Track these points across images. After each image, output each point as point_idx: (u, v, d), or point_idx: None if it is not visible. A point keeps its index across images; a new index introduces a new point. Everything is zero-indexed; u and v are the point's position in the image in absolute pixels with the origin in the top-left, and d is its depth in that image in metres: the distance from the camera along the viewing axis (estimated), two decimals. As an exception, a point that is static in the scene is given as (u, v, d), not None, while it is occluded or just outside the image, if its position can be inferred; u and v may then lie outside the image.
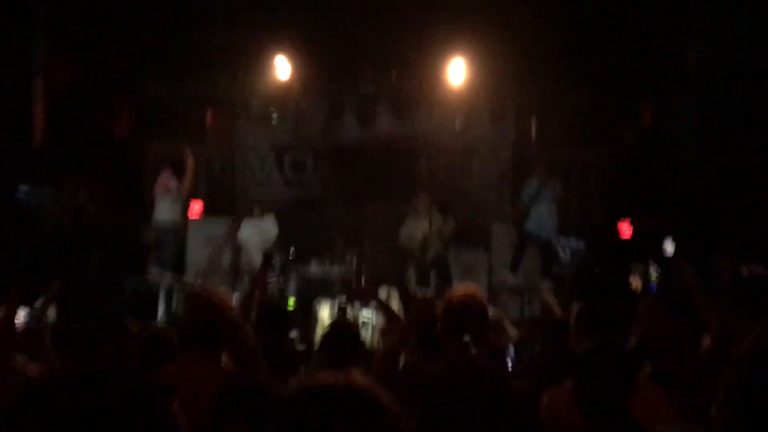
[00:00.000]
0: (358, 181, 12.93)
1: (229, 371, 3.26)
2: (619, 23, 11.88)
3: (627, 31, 11.90)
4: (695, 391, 3.32)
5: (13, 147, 10.02)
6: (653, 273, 10.71)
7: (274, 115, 13.11)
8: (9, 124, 10.11)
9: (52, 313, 6.16)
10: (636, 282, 9.62)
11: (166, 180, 9.59)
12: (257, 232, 10.52)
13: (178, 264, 10.08)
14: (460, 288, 3.62)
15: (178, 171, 9.54)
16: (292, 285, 10.62)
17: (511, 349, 5.64)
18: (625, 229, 12.02)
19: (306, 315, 8.76)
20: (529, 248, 10.79)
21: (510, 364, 5.33)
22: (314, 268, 10.89)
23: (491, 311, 6.52)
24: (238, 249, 10.77)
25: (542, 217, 10.66)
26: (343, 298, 8.51)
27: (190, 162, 9.72)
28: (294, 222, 11.17)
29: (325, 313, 7.22)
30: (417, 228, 10.56)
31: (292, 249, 10.91)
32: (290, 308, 8.61)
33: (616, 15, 11.78)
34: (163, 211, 9.64)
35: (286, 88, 12.94)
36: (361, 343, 4.12)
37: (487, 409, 3.11)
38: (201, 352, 3.23)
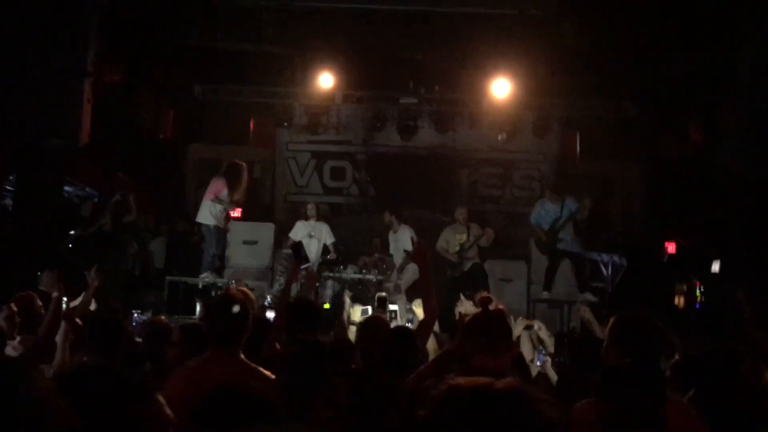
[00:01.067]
0: (396, 190, 12.92)
1: (249, 369, 3.32)
2: (666, 37, 11.68)
3: (674, 45, 11.69)
4: (737, 418, 3.16)
5: (60, 145, 10.22)
6: (698, 292, 10.43)
7: (318, 125, 13.24)
8: (58, 125, 10.32)
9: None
10: (680, 300, 9.36)
11: (217, 188, 9.67)
12: (309, 235, 10.54)
13: (219, 264, 10.15)
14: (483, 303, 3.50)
15: (231, 181, 9.60)
16: (329, 291, 10.61)
17: (541, 358, 5.50)
18: (670, 247, 11.74)
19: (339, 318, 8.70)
20: (560, 264, 10.53)
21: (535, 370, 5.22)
22: (350, 274, 10.88)
23: (532, 323, 6.40)
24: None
25: (567, 237, 10.38)
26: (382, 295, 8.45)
27: (245, 175, 9.78)
28: (332, 228, 11.18)
29: (357, 316, 7.17)
30: (454, 237, 10.48)
31: (329, 255, 10.91)
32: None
33: (664, 28, 11.58)
34: (207, 216, 9.72)
35: (330, 97, 13.06)
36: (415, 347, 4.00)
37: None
38: (225, 349, 3.33)
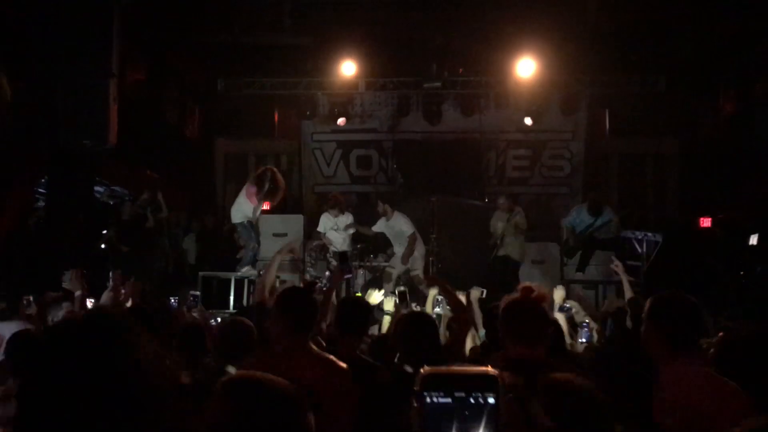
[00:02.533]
0: (424, 176, 12.85)
1: (322, 358, 3.32)
2: (692, 8, 11.40)
3: (700, 16, 11.40)
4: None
5: (90, 147, 10.33)
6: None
7: (340, 119, 13.20)
8: (85, 125, 10.44)
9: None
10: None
11: (251, 193, 9.73)
12: (335, 227, 10.54)
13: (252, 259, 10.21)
14: (519, 289, 3.44)
15: (262, 188, 9.63)
16: (360, 281, 10.61)
17: (587, 334, 5.48)
18: (705, 222, 11.50)
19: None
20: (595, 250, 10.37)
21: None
22: (381, 263, 10.86)
23: (568, 302, 6.33)
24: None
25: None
26: (401, 286, 8.43)
27: (279, 178, 9.78)
28: (360, 217, 11.15)
29: (389, 306, 7.13)
30: (497, 225, 10.43)
31: (358, 245, 10.89)
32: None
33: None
34: (239, 215, 9.78)
35: (353, 85, 13.00)
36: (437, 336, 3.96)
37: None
38: (296, 339, 3.33)
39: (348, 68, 12.50)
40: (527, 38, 11.94)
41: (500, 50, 12.27)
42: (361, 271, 10.81)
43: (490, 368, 0.94)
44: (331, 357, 3.34)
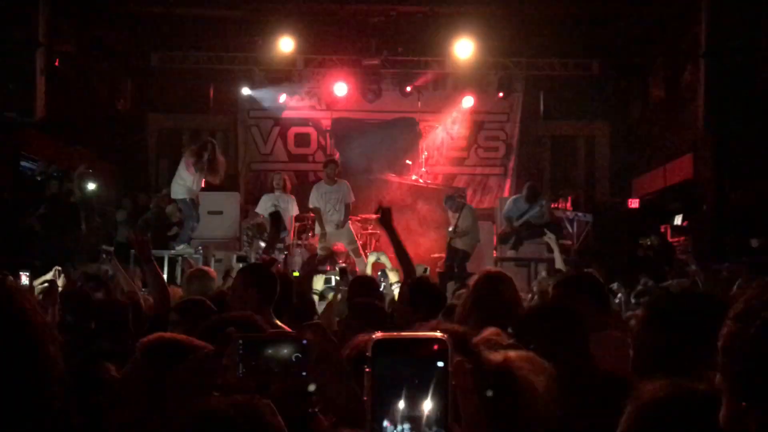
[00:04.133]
0: (363, 154, 12.83)
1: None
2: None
3: (636, 4, 11.71)
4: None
5: (16, 119, 9.94)
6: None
7: (279, 89, 13.03)
8: (11, 98, 10.03)
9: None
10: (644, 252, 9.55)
11: (189, 163, 9.44)
12: (273, 206, 10.38)
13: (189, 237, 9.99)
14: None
15: (201, 158, 9.34)
16: (298, 259, 10.55)
17: None
18: (633, 203, 11.92)
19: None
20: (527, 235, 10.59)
21: None
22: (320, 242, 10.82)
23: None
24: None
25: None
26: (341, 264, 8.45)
27: (219, 156, 9.48)
28: (298, 195, 11.08)
29: (319, 285, 7.16)
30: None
31: (296, 224, 10.82)
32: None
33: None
34: (181, 190, 9.52)
35: (291, 61, 12.85)
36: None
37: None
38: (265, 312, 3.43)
39: (286, 44, 12.34)
40: (465, 20, 12.04)
41: (439, 30, 12.33)
42: (298, 250, 10.75)
43: (440, 333, 0.95)
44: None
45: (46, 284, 5.81)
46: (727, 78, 10.30)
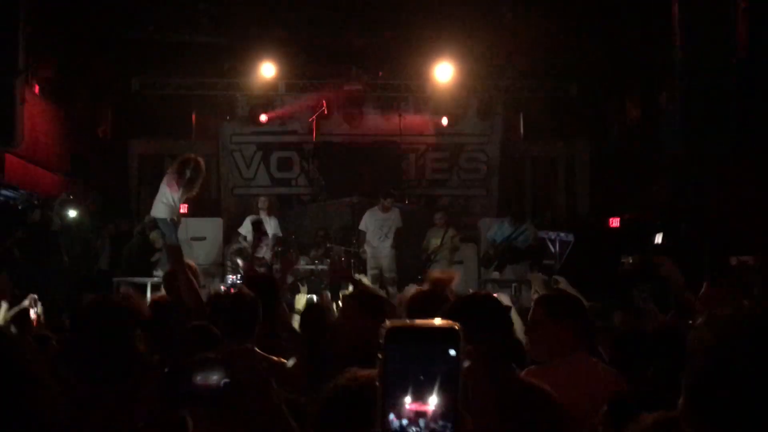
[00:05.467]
0: (345, 178, 12.88)
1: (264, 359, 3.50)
2: (604, 19, 11.91)
3: (612, 27, 11.93)
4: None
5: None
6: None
7: (262, 116, 13.07)
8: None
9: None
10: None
11: (172, 180, 9.39)
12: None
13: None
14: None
15: (183, 175, 9.30)
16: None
17: None
18: (614, 222, 12.04)
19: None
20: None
21: None
22: (302, 266, 10.81)
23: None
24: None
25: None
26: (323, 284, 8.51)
27: (202, 167, 9.46)
28: (281, 219, 11.07)
29: (300, 305, 7.17)
30: (430, 242, 10.63)
31: (278, 249, 10.80)
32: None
33: (601, 11, 11.80)
34: (163, 209, 9.46)
35: (272, 86, 12.90)
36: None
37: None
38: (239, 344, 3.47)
39: (267, 70, 12.41)
40: (445, 43, 12.18)
41: (419, 54, 12.46)
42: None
43: (453, 322, 0.95)
44: (272, 357, 3.45)
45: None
46: (703, 97, 10.49)
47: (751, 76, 9.69)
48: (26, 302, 6.49)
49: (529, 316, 3.35)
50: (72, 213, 10.48)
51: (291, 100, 13.39)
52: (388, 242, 10.34)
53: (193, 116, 13.50)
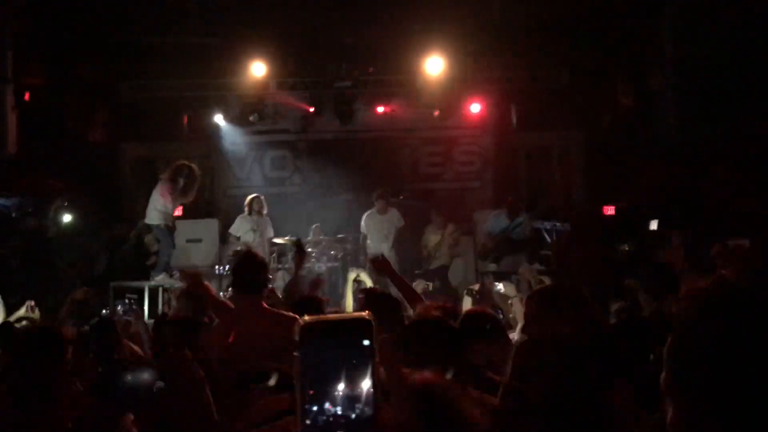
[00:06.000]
0: (339, 175, 12.87)
1: (273, 313, 3.95)
2: (593, 6, 11.91)
3: (603, 15, 11.92)
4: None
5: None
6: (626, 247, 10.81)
7: (253, 115, 13.04)
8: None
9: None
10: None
11: (165, 190, 9.42)
12: (253, 231, 10.41)
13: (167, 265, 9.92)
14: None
15: (177, 184, 9.35)
16: (280, 284, 10.52)
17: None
18: (609, 210, 12.06)
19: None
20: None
21: None
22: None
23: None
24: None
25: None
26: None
27: (195, 173, 9.50)
28: (276, 218, 11.07)
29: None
30: (429, 238, 10.64)
31: (275, 248, 10.80)
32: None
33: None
34: (157, 216, 9.49)
35: (263, 86, 12.87)
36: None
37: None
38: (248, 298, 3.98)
39: (258, 69, 12.38)
40: (434, 36, 12.15)
41: (409, 49, 12.43)
42: (280, 274, 10.73)
43: (365, 313, 0.97)
44: (282, 311, 3.90)
45: (24, 322, 5.76)
46: (694, 83, 10.51)
47: (743, 59, 9.72)
48: (23, 310, 6.50)
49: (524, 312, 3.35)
50: (67, 219, 10.46)
51: (283, 99, 13.35)
52: (388, 243, 10.33)
53: (185, 117, 13.47)
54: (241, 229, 10.33)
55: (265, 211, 10.45)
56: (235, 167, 13.55)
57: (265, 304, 3.97)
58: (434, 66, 12.43)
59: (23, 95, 10.53)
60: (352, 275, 9.82)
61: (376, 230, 10.43)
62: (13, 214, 10.52)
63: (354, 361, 0.93)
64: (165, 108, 13.08)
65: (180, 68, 12.70)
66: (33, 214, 10.27)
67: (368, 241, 10.57)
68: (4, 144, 9.86)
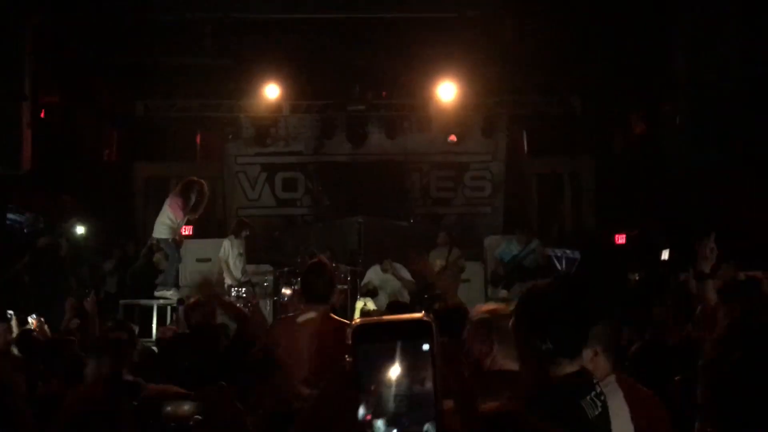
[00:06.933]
0: (350, 198, 12.89)
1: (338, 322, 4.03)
2: (606, 34, 11.95)
3: (614, 41, 11.96)
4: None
5: (2, 172, 9.91)
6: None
7: (266, 137, 13.11)
8: (-3, 150, 10.02)
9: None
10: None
11: (177, 205, 9.42)
12: (240, 255, 10.37)
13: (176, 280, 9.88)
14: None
15: (188, 200, 9.35)
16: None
17: None
18: (620, 239, 12.00)
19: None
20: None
21: None
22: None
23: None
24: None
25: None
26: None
27: (205, 190, 9.50)
28: (286, 239, 11.08)
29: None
30: (435, 261, 10.52)
31: (286, 268, 10.75)
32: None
33: (604, 25, 11.84)
34: (164, 230, 9.49)
35: (277, 107, 12.95)
36: None
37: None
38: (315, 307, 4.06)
39: (271, 91, 12.46)
40: (447, 62, 12.22)
41: (421, 74, 12.50)
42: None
43: (423, 314, 0.90)
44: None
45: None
46: (706, 109, 10.49)
47: (755, 86, 9.71)
48: (30, 322, 6.50)
49: None
50: (79, 237, 10.49)
51: (295, 121, 13.42)
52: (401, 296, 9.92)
53: (198, 138, 13.56)
54: (228, 251, 10.23)
55: (246, 234, 10.36)
56: (247, 188, 13.58)
57: (332, 315, 4.08)
58: (446, 92, 12.48)
59: (39, 113, 10.62)
60: (359, 304, 9.75)
61: (380, 287, 10.09)
62: (26, 231, 10.57)
63: (413, 368, 0.86)
64: (178, 128, 13.18)
65: (194, 89, 12.81)
66: (45, 231, 10.30)
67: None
68: (19, 160, 9.92)
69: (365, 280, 10.22)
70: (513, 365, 2.73)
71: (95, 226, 11.11)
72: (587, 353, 3.06)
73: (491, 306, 3.18)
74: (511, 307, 2.95)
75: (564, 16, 11.94)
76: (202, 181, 9.70)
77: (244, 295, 9.55)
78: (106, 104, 12.68)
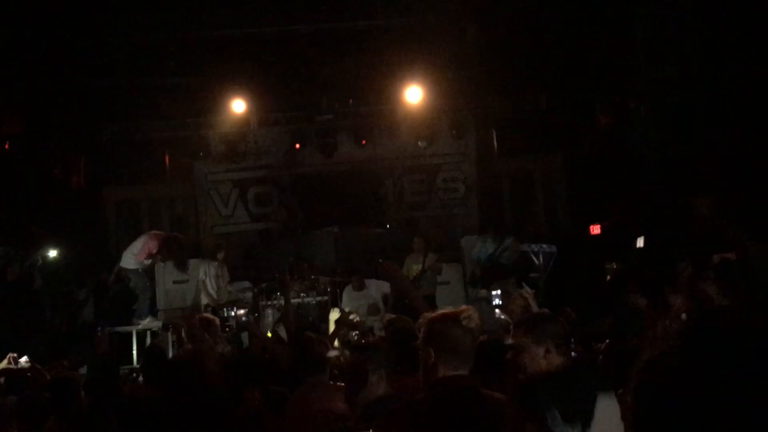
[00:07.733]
0: (324, 208, 12.86)
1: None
2: (568, 29, 12.08)
3: (576, 39, 12.09)
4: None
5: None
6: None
7: (236, 153, 13.04)
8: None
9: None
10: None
11: (149, 248, 9.41)
12: (219, 274, 10.36)
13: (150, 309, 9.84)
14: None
15: (160, 252, 9.39)
16: (270, 320, 10.40)
17: None
18: (595, 229, 12.11)
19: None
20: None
21: None
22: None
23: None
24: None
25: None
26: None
27: (180, 249, 9.59)
28: (263, 253, 11.02)
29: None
30: (411, 267, 10.48)
31: (263, 285, 10.70)
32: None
33: (565, 23, 11.98)
34: (131, 260, 9.46)
35: (244, 122, 12.89)
36: None
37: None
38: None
39: (238, 106, 12.41)
40: (412, 67, 12.27)
41: (388, 80, 12.53)
42: (269, 311, 10.61)
43: None
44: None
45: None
46: (669, 103, 10.65)
47: (716, 79, 9.88)
48: (4, 362, 6.39)
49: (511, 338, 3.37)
50: (52, 267, 10.36)
51: (264, 135, 13.37)
52: (371, 320, 9.61)
53: (167, 158, 13.44)
54: (206, 272, 10.20)
55: (221, 256, 10.34)
56: (219, 205, 13.50)
57: (332, 383, 4.30)
58: (413, 95, 12.52)
59: (3, 145, 10.48)
60: (333, 315, 9.65)
61: (355, 308, 9.77)
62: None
63: None
64: (146, 150, 13.06)
65: (160, 109, 12.71)
66: (16, 263, 10.15)
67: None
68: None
69: (344, 305, 9.97)
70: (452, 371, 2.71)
71: (68, 255, 10.97)
72: (539, 350, 3.10)
73: (439, 312, 3.15)
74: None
75: (525, 16, 12.05)
76: (181, 237, 9.82)
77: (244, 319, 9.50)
78: (70, 131, 12.52)
